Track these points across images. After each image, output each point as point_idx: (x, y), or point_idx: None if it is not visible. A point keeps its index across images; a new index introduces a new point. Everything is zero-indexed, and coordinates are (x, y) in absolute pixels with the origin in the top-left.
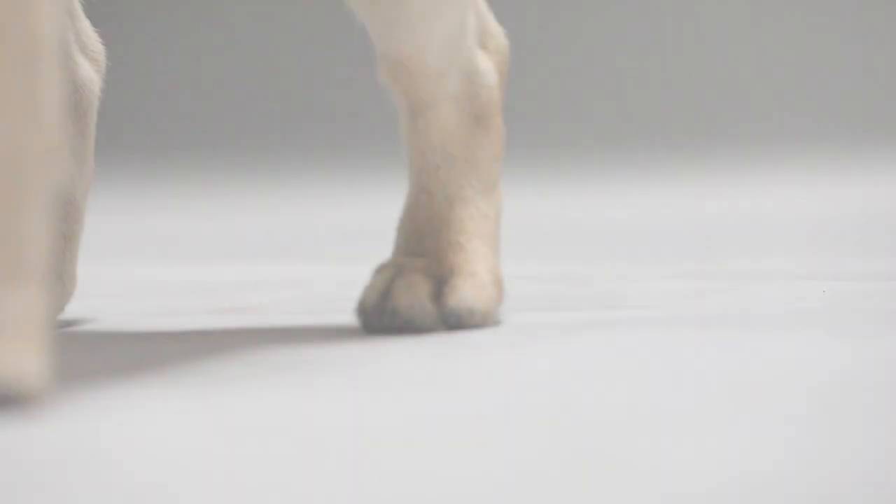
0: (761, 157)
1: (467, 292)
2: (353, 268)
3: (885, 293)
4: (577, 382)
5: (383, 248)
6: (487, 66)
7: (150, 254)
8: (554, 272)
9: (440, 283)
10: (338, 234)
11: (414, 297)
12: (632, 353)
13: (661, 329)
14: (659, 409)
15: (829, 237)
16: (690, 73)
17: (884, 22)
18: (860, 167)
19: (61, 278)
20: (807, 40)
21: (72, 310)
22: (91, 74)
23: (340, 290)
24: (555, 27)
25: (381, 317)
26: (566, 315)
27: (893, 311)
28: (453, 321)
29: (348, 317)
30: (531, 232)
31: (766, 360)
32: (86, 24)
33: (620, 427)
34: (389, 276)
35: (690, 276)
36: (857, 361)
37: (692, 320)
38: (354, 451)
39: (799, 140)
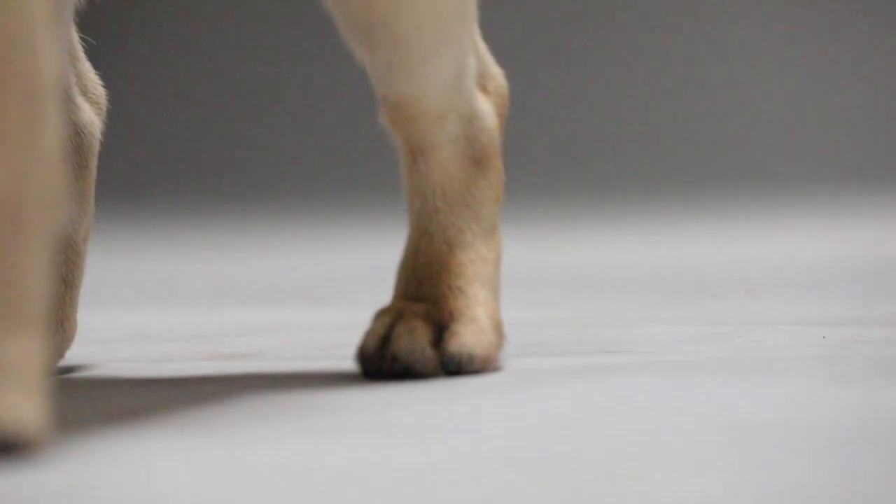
0: (761, 201)
1: (468, 338)
2: (353, 313)
3: (887, 340)
4: (576, 428)
5: (383, 293)
6: (487, 109)
7: (150, 299)
8: (554, 317)
9: (440, 328)
10: (337, 278)
11: (414, 342)
12: (631, 399)
13: (661, 375)
14: (658, 455)
15: (830, 283)
16: (689, 120)
17: (885, 69)
18: (862, 212)
19: (62, 324)
20: (804, 85)
21: (72, 356)
22: (92, 117)
23: (340, 335)
24: (553, 71)
25: (381, 362)
26: (566, 360)
27: (894, 357)
28: (453, 367)
29: (348, 362)
30: (531, 276)
31: (765, 407)
32: (87, 67)
33: (620, 473)
34: (389, 322)
35: (690, 322)
36: (857, 408)
37: (691, 366)
38: (355, 495)
39: (799, 185)
